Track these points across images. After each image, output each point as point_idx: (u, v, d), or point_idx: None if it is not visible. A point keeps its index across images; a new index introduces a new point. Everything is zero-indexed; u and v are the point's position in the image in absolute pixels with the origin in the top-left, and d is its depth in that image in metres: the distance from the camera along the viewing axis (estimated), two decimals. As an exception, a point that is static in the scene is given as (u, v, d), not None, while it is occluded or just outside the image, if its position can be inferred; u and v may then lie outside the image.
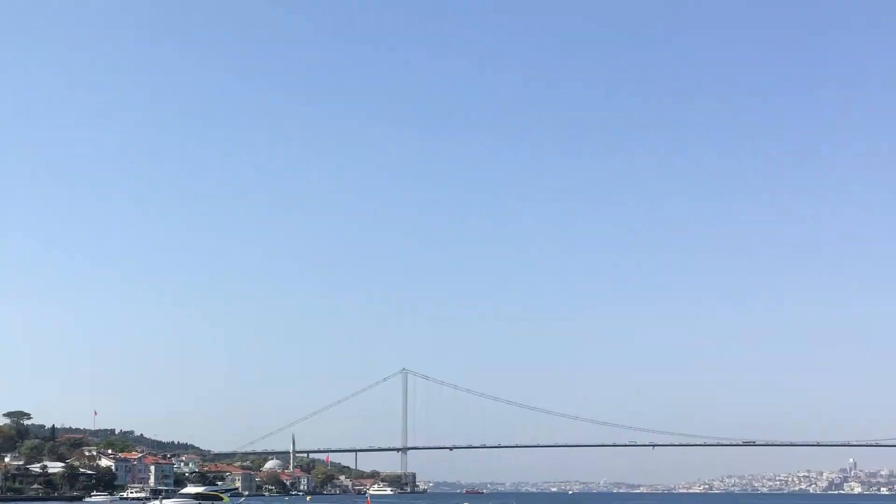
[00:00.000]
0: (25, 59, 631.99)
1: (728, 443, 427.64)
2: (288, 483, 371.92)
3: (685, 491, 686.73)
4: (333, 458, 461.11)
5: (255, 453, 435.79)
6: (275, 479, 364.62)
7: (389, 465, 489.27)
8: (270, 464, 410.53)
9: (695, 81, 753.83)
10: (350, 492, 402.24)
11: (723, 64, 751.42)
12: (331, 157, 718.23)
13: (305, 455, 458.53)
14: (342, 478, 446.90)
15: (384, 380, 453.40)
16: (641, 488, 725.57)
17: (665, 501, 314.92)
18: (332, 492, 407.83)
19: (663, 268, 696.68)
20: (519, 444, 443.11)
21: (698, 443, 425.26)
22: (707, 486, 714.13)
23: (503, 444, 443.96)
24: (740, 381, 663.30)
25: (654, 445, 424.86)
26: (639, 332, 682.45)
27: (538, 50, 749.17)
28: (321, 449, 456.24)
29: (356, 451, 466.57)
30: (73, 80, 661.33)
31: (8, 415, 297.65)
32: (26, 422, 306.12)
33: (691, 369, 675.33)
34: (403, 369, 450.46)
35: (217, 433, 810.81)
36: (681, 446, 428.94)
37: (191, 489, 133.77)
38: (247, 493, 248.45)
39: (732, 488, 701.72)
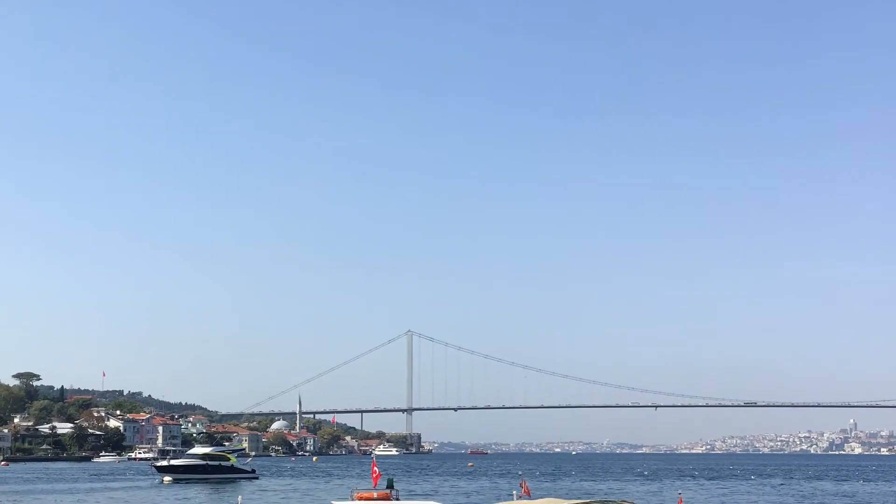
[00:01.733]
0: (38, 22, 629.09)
1: (729, 403, 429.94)
2: (294, 444, 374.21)
3: (687, 451, 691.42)
4: (339, 419, 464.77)
5: (261, 414, 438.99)
6: (281, 439, 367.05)
7: (395, 426, 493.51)
8: (277, 425, 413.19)
9: (701, 39, 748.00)
10: (356, 452, 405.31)
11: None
12: (336, 121, 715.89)
13: (312, 416, 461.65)
14: (348, 438, 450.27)
15: (389, 341, 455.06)
16: (644, 448, 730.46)
17: (667, 461, 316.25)
18: (339, 452, 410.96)
19: (663, 227, 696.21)
20: (523, 406, 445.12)
21: (700, 403, 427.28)
22: (709, 447, 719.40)
23: (507, 406, 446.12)
24: (741, 341, 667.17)
25: (656, 406, 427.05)
26: (641, 292, 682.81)
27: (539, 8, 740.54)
28: (327, 410, 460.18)
29: (362, 412, 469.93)
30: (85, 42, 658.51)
31: (17, 376, 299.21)
32: (35, 383, 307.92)
33: (693, 329, 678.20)
34: (409, 331, 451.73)
35: (224, 394, 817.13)
36: (682, 407, 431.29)
37: (198, 450, 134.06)
38: (253, 453, 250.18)
39: (734, 448, 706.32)
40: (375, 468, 40.05)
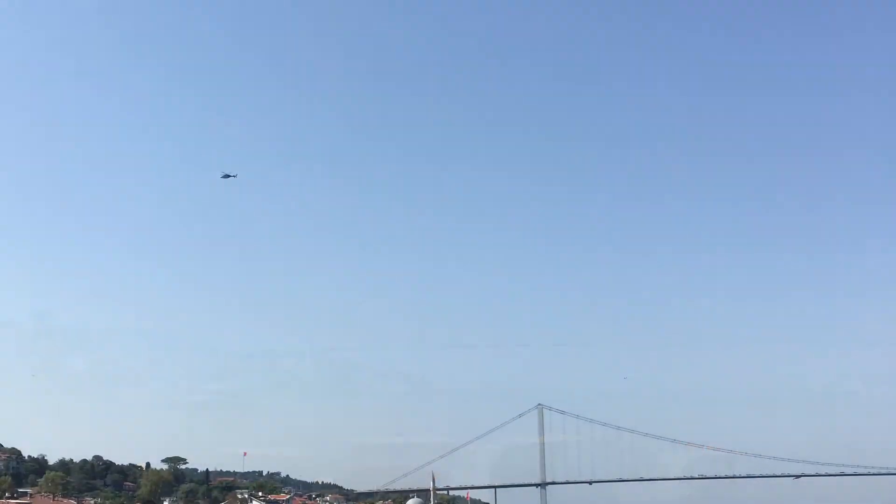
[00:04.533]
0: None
1: (887, 472, 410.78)
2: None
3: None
4: (473, 494, 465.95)
5: (395, 492, 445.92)
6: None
7: (529, 501, 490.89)
8: (411, 502, 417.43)
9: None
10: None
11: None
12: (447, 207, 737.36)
13: (445, 492, 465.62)
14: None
15: (520, 416, 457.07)
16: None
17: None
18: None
19: (794, 296, 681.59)
20: (660, 477, 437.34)
21: (849, 472, 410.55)
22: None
23: (644, 478, 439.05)
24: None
25: (797, 476, 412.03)
26: (781, 360, 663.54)
27: None
28: (461, 486, 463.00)
29: (495, 487, 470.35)
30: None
31: (166, 460, 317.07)
32: (182, 466, 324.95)
33: (839, 397, 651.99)
34: (539, 404, 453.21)
35: (358, 472, 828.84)
36: (830, 476, 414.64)
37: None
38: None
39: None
40: None
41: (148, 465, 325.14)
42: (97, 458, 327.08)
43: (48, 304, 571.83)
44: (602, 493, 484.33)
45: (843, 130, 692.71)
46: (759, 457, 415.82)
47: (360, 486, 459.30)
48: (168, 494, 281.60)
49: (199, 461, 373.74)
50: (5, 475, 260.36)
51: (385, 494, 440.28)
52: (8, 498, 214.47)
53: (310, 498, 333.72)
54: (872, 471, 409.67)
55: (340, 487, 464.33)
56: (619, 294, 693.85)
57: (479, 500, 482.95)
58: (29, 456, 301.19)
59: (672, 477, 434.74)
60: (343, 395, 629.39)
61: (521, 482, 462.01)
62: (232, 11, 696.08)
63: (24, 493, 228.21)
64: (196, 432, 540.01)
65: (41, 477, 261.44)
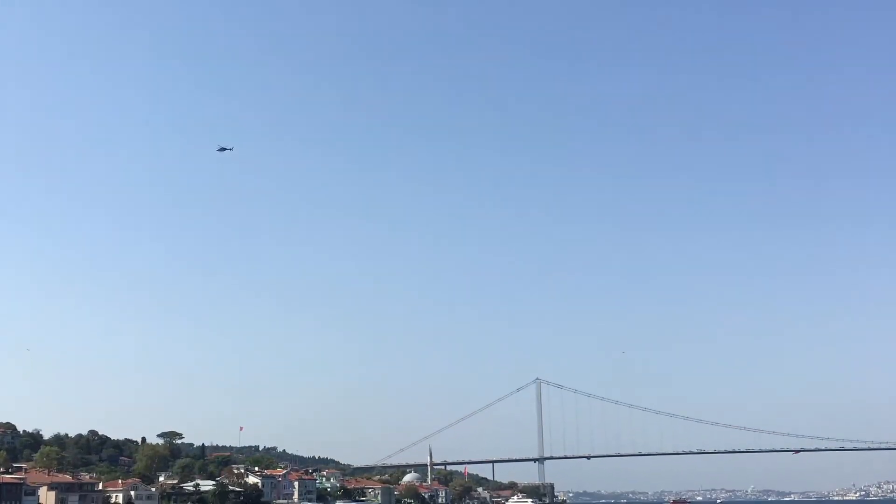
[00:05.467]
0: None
1: (885, 446, 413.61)
2: (426, 496, 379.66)
3: (839, 498, 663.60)
4: (471, 469, 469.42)
5: (393, 466, 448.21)
6: (413, 492, 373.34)
7: (527, 475, 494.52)
8: (409, 477, 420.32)
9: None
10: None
11: None
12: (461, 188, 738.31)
13: (443, 467, 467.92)
14: (480, 490, 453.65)
15: (518, 390, 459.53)
16: (792, 495, 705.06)
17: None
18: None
19: (795, 273, 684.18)
20: (659, 452, 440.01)
21: (849, 447, 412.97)
22: (863, 493, 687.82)
23: (643, 452, 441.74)
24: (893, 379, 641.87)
25: (796, 451, 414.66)
26: (782, 335, 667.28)
27: None
28: (458, 461, 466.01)
29: (493, 462, 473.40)
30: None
31: (162, 435, 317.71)
32: (178, 441, 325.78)
33: (841, 371, 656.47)
34: (537, 379, 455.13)
35: (355, 447, 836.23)
36: (830, 451, 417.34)
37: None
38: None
39: (892, 495, 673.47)
40: None
41: (143, 439, 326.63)
42: (92, 432, 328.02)
43: (46, 280, 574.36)
44: (601, 468, 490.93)
45: (844, 108, 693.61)
46: (758, 431, 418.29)
47: (358, 461, 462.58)
48: (164, 469, 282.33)
49: (195, 436, 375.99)
50: (0, 450, 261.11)
51: (382, 469, 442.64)
52: (2, 473, 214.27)
53: (307, 473, 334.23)
54: (872, 445, 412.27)
55: (337, 462, 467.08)
56: (618, 269, 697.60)
57: (477, 474, 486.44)
58: (24, 430, 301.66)
59: (671, 452, 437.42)
60: (339, 368, 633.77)
61: (519, 457, 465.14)
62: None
63: (19, 468, 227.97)
64: (192, 407, 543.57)
65: (36, 452, 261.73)
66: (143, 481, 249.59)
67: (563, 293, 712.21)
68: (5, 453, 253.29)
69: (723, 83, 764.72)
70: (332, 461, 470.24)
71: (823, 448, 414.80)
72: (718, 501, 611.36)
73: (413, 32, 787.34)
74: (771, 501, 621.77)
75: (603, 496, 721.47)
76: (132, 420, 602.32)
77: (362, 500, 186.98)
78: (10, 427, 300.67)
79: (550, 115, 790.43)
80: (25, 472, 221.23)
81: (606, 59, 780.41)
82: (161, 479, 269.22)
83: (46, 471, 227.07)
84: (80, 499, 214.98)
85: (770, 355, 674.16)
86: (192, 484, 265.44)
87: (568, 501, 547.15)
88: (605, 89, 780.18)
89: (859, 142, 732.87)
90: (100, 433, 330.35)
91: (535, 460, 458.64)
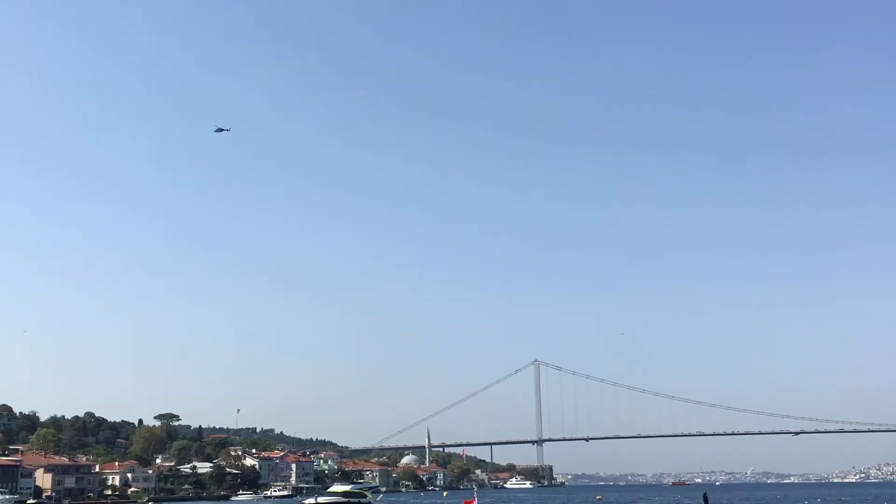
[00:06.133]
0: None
1: (885, 428, 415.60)
2: (424, 478, 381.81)
3: (839, 480, 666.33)
4: (469, 451, 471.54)
5: (391, 448, 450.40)
6: (411, 474, 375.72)
7: (525, 457, 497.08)
8: (406, 459, 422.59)
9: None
10: (486, 486, 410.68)
11: None
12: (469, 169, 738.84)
13: (441, 449, 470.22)
14: (478, 472, 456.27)
15: (516, 372, 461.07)
16: (792, 478, 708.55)
17: (818, 491, 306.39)
18: (469, 486, 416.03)
19: (795, 253, 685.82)
20: (658, 434, 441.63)
21: (849, 429, 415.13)
22: (863, 475, 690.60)
23: (642, 434, 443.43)
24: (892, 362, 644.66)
25: (795, 433, 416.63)
26: (781, 317, 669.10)
27: None
28: (456, 443, 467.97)
29: (491, 444, 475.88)
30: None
31: (159, 417, 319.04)
32: (175, 423, 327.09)
33: (840, 352, 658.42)
34: (535, 360, 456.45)
35: (353, 429, 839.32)
36: (827, 433, 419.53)
37: (337, 487, 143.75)
38: (384, 489, 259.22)
39: (891, 477, 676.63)
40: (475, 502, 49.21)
41: (140, 421, 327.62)
42: (89, 414, 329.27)
43: (43, 261, 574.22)
44: (600, 450, 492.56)
45: (844, 85, 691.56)
46: (758, 413, 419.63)
47: (355, 443, 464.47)
48: (161, 451, 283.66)
49: (192, 418, 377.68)
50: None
51: (380, 451, 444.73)
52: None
53: (304, 455, 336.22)
54: (872, 427, 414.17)
55: (335, 444, 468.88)
56: (617, 250, 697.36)
57: (475, 456, 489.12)
58: (20, 412, 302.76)
59: (670, 434, 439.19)
60: (337, 350, 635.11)
61: (518, 439, 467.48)
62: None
63: (16, 450, 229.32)
64: (189, 389, 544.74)
65: (33, 434, 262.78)
66: (140, 463, 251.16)
67: (562, 273, 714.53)
68: (2, 435, 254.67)
69: (722, 61, 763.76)
70: (330, 443, 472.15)
71: (823, 430, 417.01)
72: (717, 483, 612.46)
73: (412, 11, 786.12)
74: (770, 484, 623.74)
75: (602, 478, 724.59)
76: (129, 402, 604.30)
77: (360, 482, 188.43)
78: (6, 409, 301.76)
79: (550, 94, 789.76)
80: (22, 454, 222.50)
81: (606, 36, 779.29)
82: (158, 461, 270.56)
83: (43, 453, 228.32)
84: (76, 481, 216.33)
85: (769, 336, 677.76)
86: (189, 466, 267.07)
87: (566, 483, 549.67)
88: (604, 67, 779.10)
89: (860, 120, 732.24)
90: (97, 415, 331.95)
91: (533, 442, 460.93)
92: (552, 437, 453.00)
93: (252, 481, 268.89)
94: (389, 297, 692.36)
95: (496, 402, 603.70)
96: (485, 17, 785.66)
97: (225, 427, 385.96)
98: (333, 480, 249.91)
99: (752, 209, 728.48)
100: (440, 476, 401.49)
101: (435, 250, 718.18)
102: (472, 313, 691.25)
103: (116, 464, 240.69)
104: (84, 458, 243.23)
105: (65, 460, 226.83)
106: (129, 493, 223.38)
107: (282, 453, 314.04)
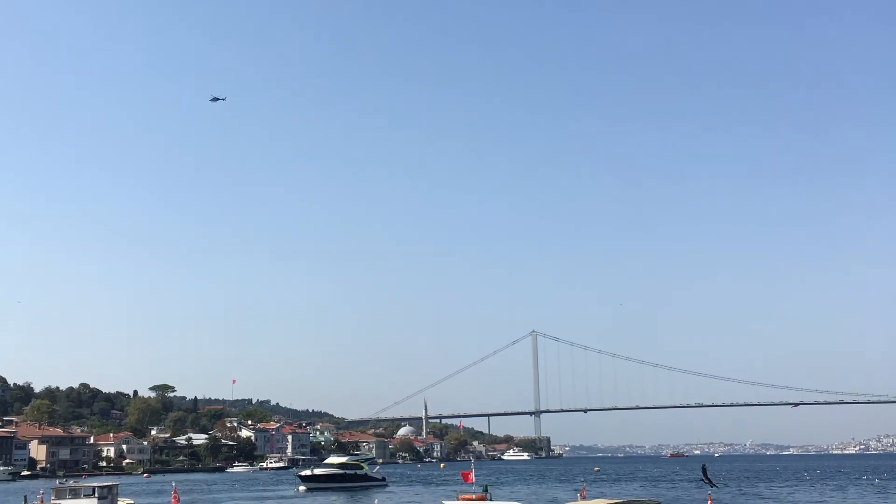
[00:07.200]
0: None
1: (885, 399, 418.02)
2: (421, 450, 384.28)
3: (839, 451, 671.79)
4: (466, 423, 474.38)
5: (387, 420, 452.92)
6: (408, 446, 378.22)
7: (523, 429, 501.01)
8: (403, 430, 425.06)
9: None
10: (484, 457, 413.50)
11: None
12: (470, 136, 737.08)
13: (438, 420, 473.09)
14: (475, 443, 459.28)
15: (514, 343, 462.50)
16: (791, 449, 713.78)
17: (817, 462, 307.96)
18: (466, 458, 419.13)
19: (794, 223, 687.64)
20: (655, 406, 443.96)
21: (848, 401, 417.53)
22: (863, 447, 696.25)
23: (640, 406, 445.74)
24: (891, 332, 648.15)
25: (795, 404, 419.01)
26: (781, 288, 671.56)
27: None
28: (453, 414, 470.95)
29: (488, 415, 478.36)
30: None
31: (154, 388, 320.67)
32: (170, 394, 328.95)
33: (839, 323, 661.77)
34: (533, 331, 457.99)
35: (350, 400, 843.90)
36: (826, 405, 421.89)
37: (334, 459, 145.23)
38: (381, 460, 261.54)
39: (891, 448, 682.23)
40: (472, 473, 50.37)
41: (135, 392, 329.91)
42: (84, 385, 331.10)
43: (37, 231, 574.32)
44: (597, 422, 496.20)
45: (843, 55, 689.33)
46: (757, 384, 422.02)
47: (352, 415, 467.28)
48: (156, 423, 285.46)
49: (187, 389, 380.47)
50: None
51: (377, 423, 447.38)
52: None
53: (300, 426, 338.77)
54: (872, 399, 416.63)
55: (332, 416, 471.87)
56: (615, 220, 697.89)
57: (472, 428, 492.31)
58: (14, 384, 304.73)
59: (668, 405, 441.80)
60: (333, 320, 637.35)
61: (515, 410, 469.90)
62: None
63: (10, 422, 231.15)
64: (184, 360, 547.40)
65: (27, 405, 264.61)
66: (134, 435, 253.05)
67: (561, 243, 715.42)
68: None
69: (722, 30, 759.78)
70: (327, 415, 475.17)
71: (822, 401, 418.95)
72: (716, 455, 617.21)
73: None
74: (769, 455, 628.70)
75: (599, 450, 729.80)
76: (124, 373, 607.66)
77: (356, 454, 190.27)
78: (0, 380, 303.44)
79: (549, 63, 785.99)
80: (16, 426, 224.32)
81: (606, 5, 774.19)
82: (153, 432, 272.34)
83: (37, 424, 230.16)
84: (71, 452, 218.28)
85: (769, 306, 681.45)
86: (184, 437, 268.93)
87: (564, 455, 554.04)
88: (604, 37, 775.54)
89: (858, 89, 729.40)
90: (91, 386, 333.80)
91: (531, 414, 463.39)
92: (550, 409, 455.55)
93: (248, 453, 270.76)
94: (386, 268, 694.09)
95: (494, 373, 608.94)
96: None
97: (220, 398, 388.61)
98: (330, 452, 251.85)
99: (751, 179, 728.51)
100: (437, 447, 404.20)
101: (432, 220, 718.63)
102: (469, 284, 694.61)
103: (111, 435, 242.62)
104: (78, 430, 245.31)
105: (59, 432, 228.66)
106: (123, 464, 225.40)
107: (278, 425, 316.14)
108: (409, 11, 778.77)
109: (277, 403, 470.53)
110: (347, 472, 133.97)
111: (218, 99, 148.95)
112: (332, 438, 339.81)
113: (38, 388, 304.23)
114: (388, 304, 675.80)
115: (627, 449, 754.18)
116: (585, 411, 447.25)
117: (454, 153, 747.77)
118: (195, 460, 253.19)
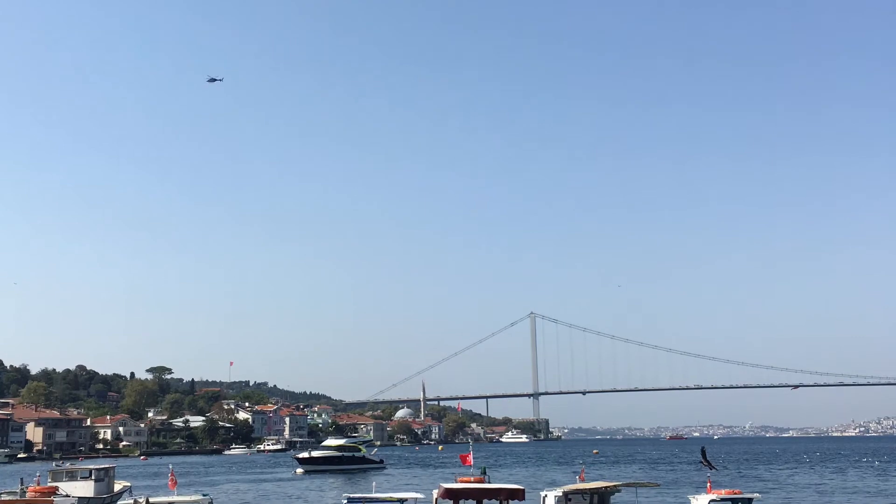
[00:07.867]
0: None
1: (885, 382, 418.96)
2: (419, 432, 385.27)
3: (839, 434, 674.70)
4: (464, 405, 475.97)
5: (385, 402, 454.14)
6: (406, 428, 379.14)
7: (521, 411, 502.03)
8: (401, 413, 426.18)
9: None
10: (482, 440, 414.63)
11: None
12: (474, 122, 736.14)
13: (436, 402, 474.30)
14: (474, 426, 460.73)
15: (512, 324, 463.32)
16: (791, 432, 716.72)
17: (817, 445, 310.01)
18: (464, 440, 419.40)
19: (792, 208, 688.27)
20: (656, 388, 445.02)
21: (848, 383, 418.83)
22: (862, 429, 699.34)
23: (639, 388, 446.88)
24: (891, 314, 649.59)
25: (794, 386, 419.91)
26: (781, 269, 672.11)
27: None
28: (451, 396, 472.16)
29: (487, 397, 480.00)
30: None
31: (150, 370, 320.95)
32: (167, 376, 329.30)
33: (839, 305, 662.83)
34: (531, 313, 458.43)
35: (347, 382, 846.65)
36: (826, 387, 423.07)
37: (332, 441, 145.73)
38: (378, 443, 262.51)
39: (891, 431, 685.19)
40: (470, 456, 50.84)
41: (132, 374, 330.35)
42: (80, 367, 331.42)
43: (33, 212, 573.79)
44: (596, 404, 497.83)
45: (843, 35, 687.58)
46: (756, 367, 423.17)
47: (350, 397, 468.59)
48: (153, 405, 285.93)
49: (184, 371, 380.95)
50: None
51: (375, 405, 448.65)
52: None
53: (298, 408, 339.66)
54: (872, 381, 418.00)
55: (329, 398, 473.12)
56: (614, 201, 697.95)
57: (471, 410, 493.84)
58: (10, 365, 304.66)
59: (667, 387, 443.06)
60: (331, 302, 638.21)
61: (514, 392, 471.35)
62: None
63: (6, 404, 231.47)
64: (182, 341, 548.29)
65: (23, 387, 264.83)
66: (131, 417, 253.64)
67: (559, 225, 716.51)
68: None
69: (720, 10, 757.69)
70: (324, 397, 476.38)
71: (822, 384, 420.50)
72: (716, 437, 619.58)
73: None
74: (769, 437, 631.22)
75: (598, 432, 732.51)
76: (121, 355, 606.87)
77: (354, 436, 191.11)
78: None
79: (547, 45, 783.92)
80: (12, 408, 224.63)
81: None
82: (150, 414, 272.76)
83: (34, 406, 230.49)
84: (67, 434, 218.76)
85: (768, 288, 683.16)
86: (181, 420, 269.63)
87: (563, 437, 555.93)
88: (601, 18, 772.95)
89: (858, 70, 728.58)
90: (88, 368, 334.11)
91: (529, 396, 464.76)
92: (548, 391, 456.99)
93: (245, 435, 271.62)
94: (384, 249, 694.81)
95: (492, 355, 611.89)
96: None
97: (217, 380, 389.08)
98: (327, 434, 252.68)
99: (750, 160, 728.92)
100: (435, 430, 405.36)
101: (429, 201, 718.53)
102: (467, 265, 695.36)
103: (108, 417, 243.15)
104: (75, 412, 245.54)
105: (55, 414, 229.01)
106: (120, 446, 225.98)
107: (275, 407, 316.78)
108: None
109: (275, 385, 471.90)
110: (345, 454, 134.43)
111: (215, 80, 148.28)
112: (329, 421, 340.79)
113: (34, 370, 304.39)
114: (387, 285, 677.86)
115: (626, 431, 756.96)
116: (584, 393, 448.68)
117: (452, 134, 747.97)
118: (192, 443, 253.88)
